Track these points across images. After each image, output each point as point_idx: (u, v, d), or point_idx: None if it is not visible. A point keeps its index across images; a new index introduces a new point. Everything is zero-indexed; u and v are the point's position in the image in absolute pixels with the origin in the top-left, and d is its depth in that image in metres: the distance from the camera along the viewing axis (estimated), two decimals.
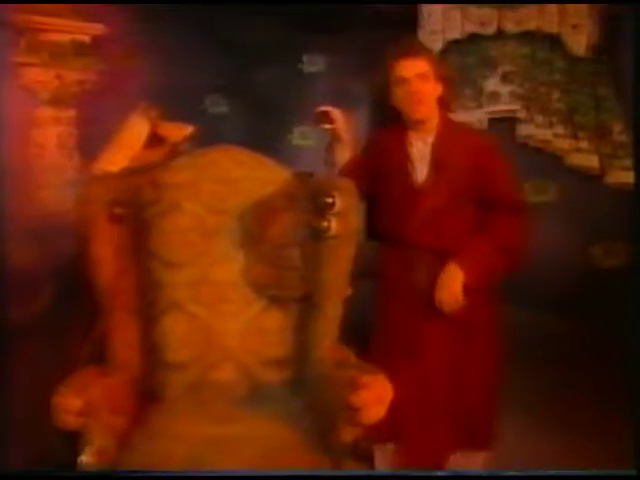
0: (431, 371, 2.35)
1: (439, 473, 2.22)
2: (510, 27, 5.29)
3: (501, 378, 2.45)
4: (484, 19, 5.41)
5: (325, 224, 2.11)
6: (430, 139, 2.38)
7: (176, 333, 2.09)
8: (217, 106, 6.29)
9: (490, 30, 5.40)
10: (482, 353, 2.39)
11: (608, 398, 3.22)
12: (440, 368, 2.35)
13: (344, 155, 2.54)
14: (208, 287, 2.12)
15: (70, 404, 1.71)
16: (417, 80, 2.31)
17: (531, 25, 5.15)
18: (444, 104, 2.42)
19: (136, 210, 2.15)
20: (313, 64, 6.57)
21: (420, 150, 2.39)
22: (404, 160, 2.40)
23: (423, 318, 2.35)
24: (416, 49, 2.38)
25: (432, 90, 2.35)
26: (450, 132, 2.39)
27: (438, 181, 2.35)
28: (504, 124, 5.46)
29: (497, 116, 5.50)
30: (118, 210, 2.11)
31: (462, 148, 2.36)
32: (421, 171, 2.38)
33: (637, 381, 2.00)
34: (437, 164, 2.36)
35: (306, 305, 2.16)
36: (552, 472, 1.84)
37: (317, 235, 2.13)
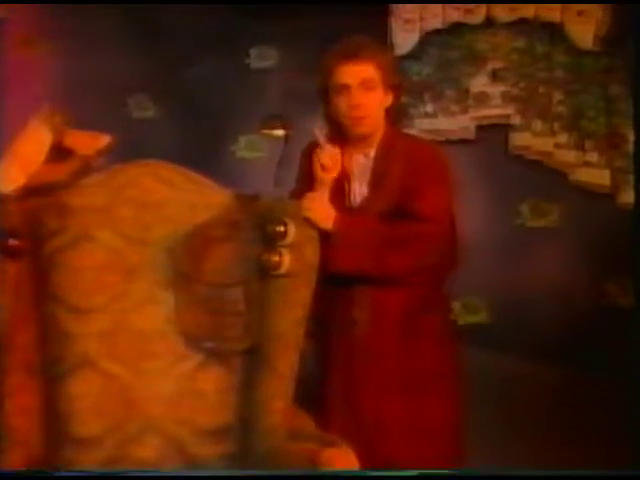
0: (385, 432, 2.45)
1: (438, 473, 2.24)
2: (502, 15, 5.38)
3: (461, 431, 2.56)
4: (470, 5, 5.49)
5: (275, 259, 2.09)
6: (372, 153, 2.48)
7: (86, 398, 2.04)
8: (142, 109, 6.29)
9: (477, 19, 5.49)
10: (438, 405, 2.49)
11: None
12: (394, 427, 2.45)
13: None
14: (127, 338, 2.07)
15: None
16: (360, 89, 2.39)
17: (527, 12, 5.24)
18: (392, 116, 2.51)
19: (36, 242, 2.10)
20: (262, 58, 6.61)
21: (361, 166, 2.49)
22: (340, 179, 2.47)
23: (369, 367, 2.45)
24: (361, 50, 2.40)
25: (378, 100, 2.44)
26: (394, 145, 2.48)
27: (375, 201, 2.44)
28: (495, 132, 5.53)
29: (486, 122, 5.57)
30: (13, 241, 2.06)
31: (401, 163, 2.44)
32: (360, 190, 2.48)
33: None
34: (376, 182, 2.45)
35: (252, 360, 2.14)
36: (553, 472, 1.97)
37: (265, 272, 2.11)
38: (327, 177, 2.41)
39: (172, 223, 2.14)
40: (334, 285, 2.40)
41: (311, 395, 2.42)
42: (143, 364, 2.07)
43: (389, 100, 2.46)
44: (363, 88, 2.38)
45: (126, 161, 2.25)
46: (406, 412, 2.44)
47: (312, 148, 2.59)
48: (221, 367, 2.13)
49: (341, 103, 2.41)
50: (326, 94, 2.46)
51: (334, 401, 2.48)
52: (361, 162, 2.48)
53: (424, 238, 2.37)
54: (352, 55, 2.38)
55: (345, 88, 2.39)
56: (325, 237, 2.24)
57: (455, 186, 2.50)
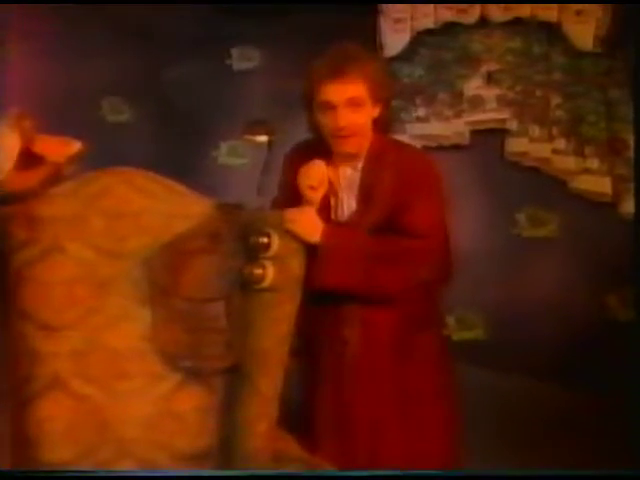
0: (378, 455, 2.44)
1: (435, 473, 2.26)
2: (496, 14, 5.39)
3: (458, 453, 2.56)
4: (463, 5, 5.49)
5: (258, 272, 2.09)
6: (360, 164, 2.46)
7: (57, 421, 2.02)
8: (116, 113, 6.27)
9: (471, 18, 5.50)
10: (434, 426, 2.50)
11: None
12: (388, 452, 2.43)
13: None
14: (100, 357, 2.06)
15: None
16: (347, 109, 2.35)
17: (523, 11, 5.24)
18: (380, 126, 2.49)
19: (3, 254, 2.08)
20: (245, 59, 6.60)
21: (348, 178, 2.47)
22: (325, 192, 2.45)
23: (360, 389, 2.44)
24: (349, 66, 2.34)
25: (365, 118, 2.41)
26: (383, 156, 2.45)
27: (363, 216, 2.42)
28: (490, 137, 5.54)
29: (481, 127, 5.57)
30: None
31: (391, 176, 2.42)
32: (347, 204, 2.46)
33: None
34: (365, 196, 2.43)
35: (234, 379, 2.13)
36: (553, 472, 2.07)
37: (248, 286, 2.10)
38: (316, 196, 2.39)
39: (148, 234, 2.13)
40: (322, 302, 2.38)
41: (297, 417, 2.41)
42: (117, 385, 2.06)
43: (377, 111, 2.43)
44: (350, 107, 2.34)
45: (99, 168, 2.24)
46: (401, 435, 2.43)
47: (295, 152, 2.58)
48: (200, 387, 2.12)
49: (326, 122, 2.38)
50: (310, 104, 2.42)
51: (324, 423, 2.46)
52: (348, 174, 2.46)
53: (416, 255, 2.35)
54: (339, 72, 2.32)
55: (331, 107, 2.35)
56: (311, 251, 2.23)
57: (448, 196, 2.49)
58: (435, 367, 2.51)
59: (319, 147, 2.47)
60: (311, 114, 2.44)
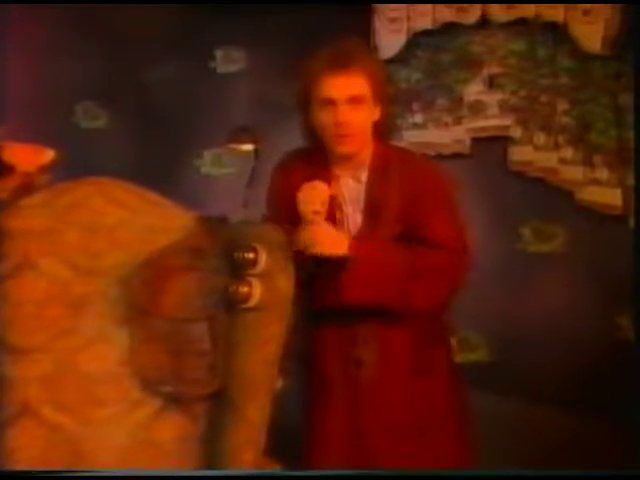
0: None
1: (437, 473, 2.27)
2: (499, 14, 5.40)
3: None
4: (464, 4, 5.50)
5: (244, 290, 2.08)
6: (364, 176, 2.47)
7: (28, 451, 2.01)
8: (91, 118, 6.27)
9: (472, 18, 5.51)
10: (451, 447, 2.53)
11: None
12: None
13: None
14: (74, 383, 2.05)
15: None
16: (347, 106, 2.35)
17: (527, 11, 5.25)
18: (381, 131, 2.50)
19: None
20: (230, 61, 6.60)
21: (351, 190, 2.49)
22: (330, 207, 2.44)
23: (377, 411, 2.45)
24: (352, 60, 2.36)
25: (366, 117, 2.42)
26: (387, 166, 2.46)
27: (372, 231, 2.43)
28: (492, 145, 5.54)
29: (483, 135, 5.57)
30: None
31: (398, 188, 2.43)
32: (353, 218, 2.47)
33: None
34: (372, 210, 2.44)
35: (218, 405, 2.12)
36: (552, 472, 2.10)
37: (233, 305, 2.10)
38: (320, 219, 2.37)
39: (126, 250, 2.12)
40: (332, 321, 2.39)
41: (291, 445, 2.40)
42: (92, 412, 2.05)
43: (377, 113, 2.44)
44: (351, 104, 2.35)
45: (73, 178, 2.23)
46: (419, 460, 2.42)
47: (286, 163, 2.58)
48: (182, 414, 2.12)
49: (325, 118, 2.38)
50: (307, 105, 2.42)
51: (337, 449, 2.46)
52: (351, 186, 2.46)
53: (447, 268, 2.36)
54: (341, 66, 2.33)
55: (331, 102, 2.35)
56: (336, 264, 2.23)
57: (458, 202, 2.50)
58: (449, 383, 2.53)
59: (313, 156, 2.46)
60: (306, 113, 2.44)
